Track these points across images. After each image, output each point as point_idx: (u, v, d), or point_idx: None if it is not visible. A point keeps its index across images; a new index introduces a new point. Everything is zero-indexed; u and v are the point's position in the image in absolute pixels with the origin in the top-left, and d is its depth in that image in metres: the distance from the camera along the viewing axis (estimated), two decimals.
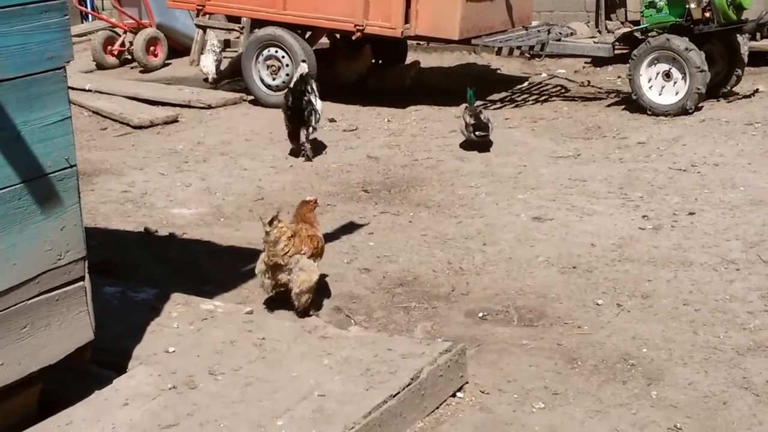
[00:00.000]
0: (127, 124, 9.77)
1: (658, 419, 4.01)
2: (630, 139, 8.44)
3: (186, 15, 12.67)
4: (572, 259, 5.85)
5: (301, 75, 8.37)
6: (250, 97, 10.52)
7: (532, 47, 9.87)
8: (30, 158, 3.46)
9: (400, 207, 6.97)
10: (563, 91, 10.52)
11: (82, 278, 3.69)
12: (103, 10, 15.30)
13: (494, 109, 9.82)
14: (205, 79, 11.64)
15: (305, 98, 8.17)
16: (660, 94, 9.12)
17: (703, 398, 4.17)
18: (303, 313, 5.03)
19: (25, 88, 3.43)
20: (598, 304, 5.20)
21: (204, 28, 12.15)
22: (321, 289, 5.54)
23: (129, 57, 12.97)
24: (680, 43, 8.93)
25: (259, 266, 5.11)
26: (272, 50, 10.23)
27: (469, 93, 8.45)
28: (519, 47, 9.91)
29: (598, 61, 11.26)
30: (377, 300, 5.41)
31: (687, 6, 9.07)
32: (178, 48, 13.11)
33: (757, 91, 9.74)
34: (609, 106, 9.67)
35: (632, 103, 9.30)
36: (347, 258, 6.02)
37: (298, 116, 8.19)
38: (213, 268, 5.94)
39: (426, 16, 9.58)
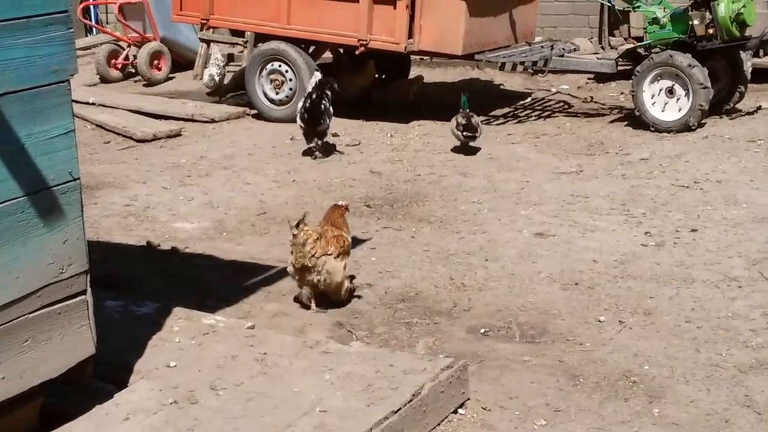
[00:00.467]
0: (131, 138, 9.79)
1: None
2: (633, 155, 8.44)
3: (190, 29, 12.70)
4: (574, 275, 5.84)
5: (319, 81, 8.80)
6: (254, 112, 10.54)
7: (535, 63, 9.88)
8: (33, 171, 3.46)
9: (402, 222, 6.97)
10: (566, 107, 10.53)
11: (84, 292, 3.69)
12: (107, 23, 15.34)
13: (497, 124, 9.83)
14: (208, 93, 11.66)
15: (323, 102, 8.69)
16: (663, 111, 9.13)
17: (705, 416, 4.16)
18: (344, 303, 5.47)
19: (30, 101, 3.44)
20: (600, 321, 5.20)
21: (208, 42, 12.18)
22: (321, 304, 5.55)
23: (133, 71, 13.00)
24: (683, 59, 8.94)
25: (289, 268, 5.41)
26: (276, 65, 10.25)
27: (463, 99, 8.78)
28: (522, 63, 9.92)
29: (601, 77, 11.27)
30: (379, 315, 5.40)
31: (690, 23, 9.09)
32: (182, 62, 13.14)
33: (760, 107, 9.74)
34: (612, 122, 9.67)
35: (635, 119, 9.31)
36: (349, 272, 6.01)
37: (313, 118, 8.67)
38: (215, 282, 5.94)
39: (429, 31, 9.60)
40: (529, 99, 10.97)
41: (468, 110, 8.74)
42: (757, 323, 5.08)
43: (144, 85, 12.62)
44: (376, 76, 11.08)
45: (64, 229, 3.59)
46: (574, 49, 10.54)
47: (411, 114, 10.09)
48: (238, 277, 5.98)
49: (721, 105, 9.46)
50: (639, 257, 6.09)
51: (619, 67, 9.87)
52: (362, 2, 9.70)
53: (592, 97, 10.85)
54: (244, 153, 9.12)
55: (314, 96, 8.73)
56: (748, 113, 9.56)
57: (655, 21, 9.33)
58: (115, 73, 12.98)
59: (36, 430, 3.66)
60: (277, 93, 10.30)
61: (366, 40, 9.78)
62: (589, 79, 11.46)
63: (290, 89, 10.18)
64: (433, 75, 12.03)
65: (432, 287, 5.76)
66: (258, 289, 5.78)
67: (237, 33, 12.08)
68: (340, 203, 5.73)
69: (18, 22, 3.38)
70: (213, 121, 10.34)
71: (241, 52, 12.54)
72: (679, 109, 9.04)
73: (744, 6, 8.93)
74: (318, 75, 8.95)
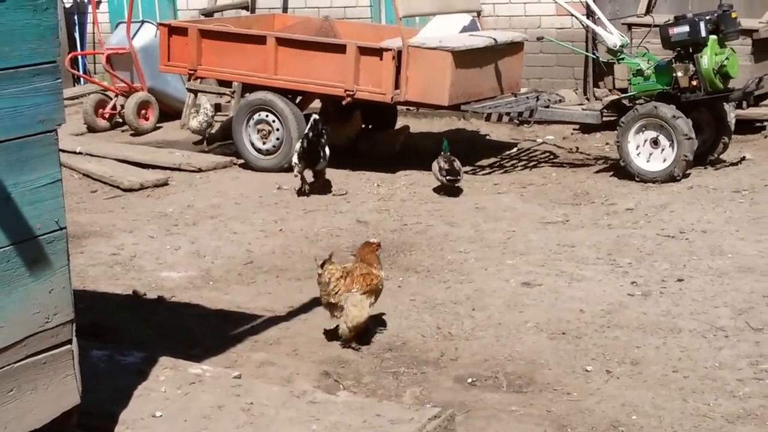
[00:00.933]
0: (118, 187, 9.78)
1: None
2: (618, 205, 8.47)
3: (177, 79, 12.74)
4: (561, 324, 5.85)
5: (315, 120, 9.16)
6: (241, 161, 10.56)
7: (521, 113, 9.94)
8: (20, 220, 3.46)
9: (389, 272, 6.96)
10: (552, 157, 10.58)
11: (69, 341, 3.67)
12: (95, 73, 15.39)
13: (483, 174, 9.87)
14: (195, 142, 11.69)
15: (320, 141, 9.05)
16: (648, 161, 9.18)
17: None
18: (345, 342, 5.58)
19: (16, 150, 3.45)
20: (587, 371, 5.19)
21: (195, 92, 12.22)
22: (308, 354, 5.54)
23: (120, 120, 13.01)
24: (668, 110, 9.01)
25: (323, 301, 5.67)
26: (263, 114, 10.28)
27: (445, 143, 9.21)
28: (508, 113, 9.98)
29: (586, 128, 11.32)
30: (366, 365, 5.38)
31: (674, 74, 9.16)
32: (169, 111, 13.16)
33: (744, 158, 9.81)
34: (597, 172, 9.72)
35: (620, 169, 9.36)
36: (336, 322, 6.00)
37: (312, 157, 9.08)
38: (201, 331, 5.92)
39: (416, 82, 9.66)
40: (515, 149, 11.03)
41: (449, 154, 9.07)
42: (744, 373, 5.08)
43: (131, 135, 12.63)
44: (363, 126, 11.13)
45: (50, 278, 3.58)
46: (560, 100, 10.60)
47: (397, 164, 10.13)
48: (225, 327, 5.96)
49: (705, 156, 9.51)
50: (626, 307, 6.10)
51: (604, 118, 9.93)
52: (349, 53, 9.77)
53: (577, 148, 10.90)
54: (231, 202, 9.13)
55: (311, 135, 9.05)
56: (733, 164, 9.62)
57: (639, 73, 9.41)
58: (103, 123, 12.99)
59: None
60: (264, 143, 10.32)
61: (353, 91, 9.83)
62: (574, 129, 11.53)
63: (277, 139, 10.21)
64: (419, 125, 12.08)
65: (419, 336, 5.75)
66: (245, 338, 5.76)
67: (224, 83, 12.12)
68: (371, 240, 5.97)
69: (5, 72, 3.40)
70: (200, 170, 10.35)
71: (229, 102, 12.59)
72: (664, 160, 9.09)
73: (727, 58, 9.01)
74: (315, 116, 9.21)
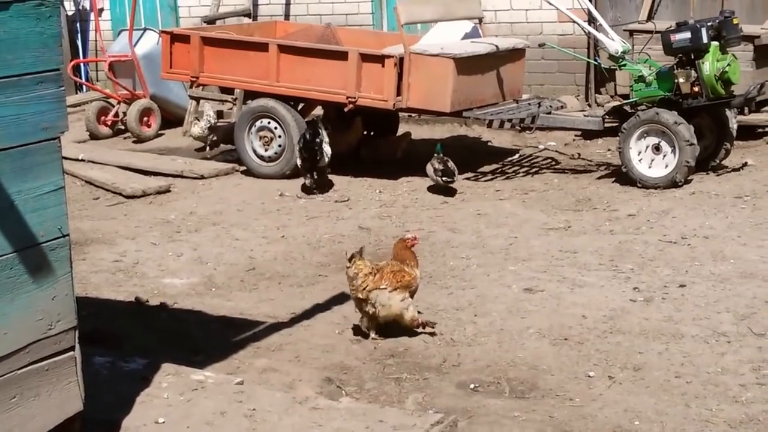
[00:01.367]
0: (120, 194, 9.80)
1: None
2: (620, 211, 8.48)
3: (180, 86, 12.76)
4: (563, 330, 5.85)
5: (313, 120, 9.64)
6: (243, 168, 10.57)
7: (522, 120, 9.95)
8: (23, 228, 3.47)
9: None
10: (554, 163, 10.59)
11: (72, 348, 3.68)
12: (97, 81, 15.41)
13: (485, 180, 9.87)
14: (197, 149, 11.71)
15: (317, 139, 9.36)
16: (650, 167, 9.18)
17: None
18: (410, 332, 5.74)
19: (20, 158, 3.46)
20: (589, 376, 5.19)
21: (197, 99, 12.24)
22: (311, 360, 5.54)
23: (122, 127, 13.03)
24: (669, 116, 9.02)
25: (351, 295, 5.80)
26: (265, 121, 10.30)
27: (438, 146, 9.48)
28: (510, 120, 9.99)
29: (588, 134, 11.33)
30: (368, 371, 5.39)
31: (676, 80, 9.17)
32: (172, 119, 13.19)
33: (746, 164, 9.81)
34: (599, 178, 9.73)
35: (622, 175, 9.36)
36: (338, 328, 6.01)
37: (310, 155, 9.40)
38: (204, 338, 5.92)
39: (418, 88, 9.67)
40: (516, 156, 11.03)
41: (442, 155, 9.30)
42: (746, 378, 5.08)
43: (133, 142, 12.65)
44: (365, 132, 11.14)
45: (53, 285, 3.59)
46: (561, 107, 10.61)
47: (399, 170, 10.14)
48: (227, 333, 5.97)
49: (707, 162, 9.51)
50: (628, 312, 6.10)
51: (606, 125, 9.93)
52: (351, 60, 9.79)
53: (579, 154, 10.91)
54: (234, 209, 9.14)
55: (308, 135, 9.38)
56: (734, 170, 9.62)
57: (641, 79, 9.42)
58: (105, 130, 13.01)
59: None
60: (266, 150, 10.33)
61: (355, 98, 9.84)
62: (576, 136, 11.54)
63: (279, 146, 10.23)
64: (421, 132, 12.09)
65: (421, 343, 5.76)
66: (247, 344, 5.77)
67: (226, 90, 12.14)
68: (406, 236, 6.02)
69: (8, 80, 3.41)
70: (202, 177, 10.36)
71: (231, 109, 12.61)
72: (666, 166, 9.10)
73: (729, 64, 9.02)
74: (315, 118, 9.63)
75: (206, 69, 10.59)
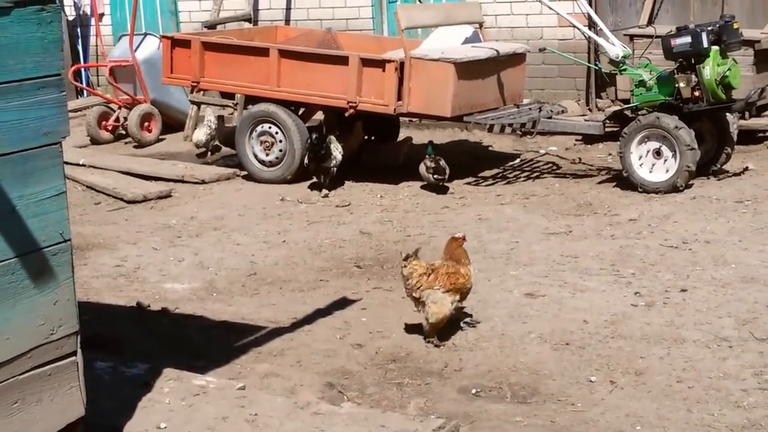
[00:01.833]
0: (121, 199, 9.80)
1: None
2: (621, 216, 8.48)
3: (180, 91, 12.77)
4: (565, 335, 5.84)
5: (319, 123, 10.05)
6: (244, 173, 10.57)
7: (523, 125, 9.94)
8: (24, 233, 3.47)
9: (392, 283, 6.97)
10: (555, 168, 10.59)
11: (74, 353, 3.68)
12: (98, 86, 15.42)
13: (486, 185, 9.88)
14: (198, 154, 11.72)
15: (325, 141, 9.63)
16: (651, 172, 9.18)
17: None
18: (427, 335, 5.76)
19: (21, 163, 3.46)
20: (591, 381, 5.19)
21: (198, 104, 12.25)
22: (312, 365, 5.54)
23: (123, 132, 13.03)
24: (670, 121, 9.02)
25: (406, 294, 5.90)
26: (266, 126, 10.30)
27: (429, 148, 9.78)
28: (511, 124, 9.99)
29: (589, 139, 11.34)
30: (370, 376, 5.39)
31: (676, 85, 9.17)
32: (173, 123, 13.19)
33: (746, 168, 9.81)
34: (600, 183, 9.73)
35: (623, 180, 9.36)
36: (340, 333, 6.01)
37: (316, 156, 9.65)
38: (205, 343, 5.92)
39: (418, 93, 9.68)
40: (517, 160, 11.04)
41: (434, 155, 9.57)
42: (748, 383, 5.08)
43: (134, 147, 12.65)
44: (365, 137, 11.14)
45: (55, 290, 3.59)
46: (562, 111, 10.61)
47: (400, 175, 10.14)
48: (229, 338, 5.97)
49: (708, 166, 9.52)
50: (629, 317, 6.10)
51: (607, 129, 9.94)
52: (352, 65, 9.79)
53: (580, 159, 10.92)
54: (235, 214, 9.14)
55: (314, 137, 9.66)
56: (735, 174, 9.63)
57: (641, 83, 9.42)
58: (106, 135, 13.01)
59: None
60: (267, 154, 10.34)
61: (356, 102, 9.84)
62: (577, 140, 11.54)
63: (280, 151, 10.23)
64: (422, 136, 12.09)
65: (423, 347, 5.75)
66: (249, 349, 5.76)
67: (227, 95, 12.14)
68: (456, 235, 6.10)
69: (10, 85, 3.41)
70: (203, 182, 10.37)
71: (231, 113, 12.62)
72: (667, 170, 9.10)
73: (729, 69, 9.02)
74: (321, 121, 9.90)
75: (207, 74, 10.60)
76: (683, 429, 4.60)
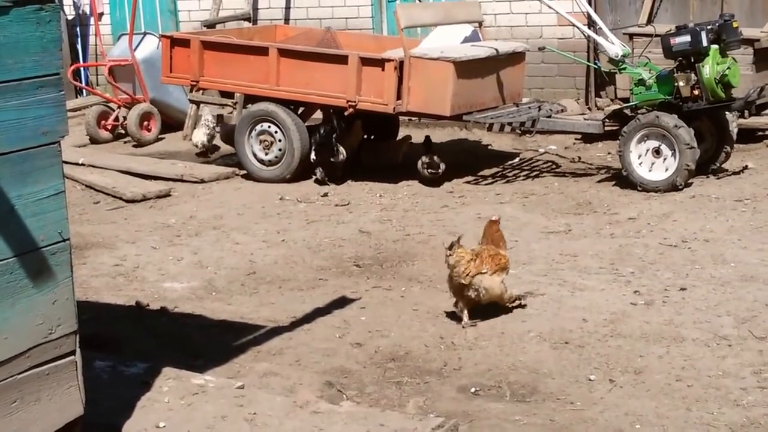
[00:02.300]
0: (120, 198, 9.80)
1: None
2: (620, 214, 8.48)
3: (180, 90, 12.77)
4: (564, 334, 5.84)
5: (325, 118, 10.10)
6: (243, 172, 10.57)
7: (523, 123, 9.94)
8: (23, 232, 3.47)
9: (392, 281, 6.97)
10: (554, 166, 10.59)
11: (73, 352, 3.68)
12: (97, 85, 15.42)
13: (486, 184, 9.88)
14: (197, 153, 11.73)
15: (333, 136, 9.88)
16: (650, 171, 9.18)
17: None
18: (508, 309, 6.15)
19: (20, 162, 3.45)
20: (590, 380, 5.19)
21: (197, 103, 12.25)
22: (311, 364, 5.54)
23: (122, 131, 13.03)
24: (669, 120, 9.02)
25: (449, 285, 6.09)
26: (265, 125, 10.30)
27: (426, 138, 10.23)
28: (510, 123, 9.98)
29: (588, 138, 11.34)
30: (369, 375, 5.39)
31: (676, 84, 9.17)
32: (172, 123, 13.19)
33: (746, 167, 9.81)
34: (599, 182, 9.73)
35: (622, 179, 9.36)
36: (339, 332, 6.01)
37: (323, 150, 9.88)
38: (204, 342, 5.92)
39: (418, 92, 9.67)
40: (517, 159, 11.04)
41: (431, 153, 9.85)
42: (747, 382, 5.08)
43: (133, 146, 12.66)
44: (365, 136, 11.14)
45: (54, 289, 3.59)
46: (561, 110, 10.61)
47: (400, 174, 10.14)
48: (228, 337, 5.97)
49: (707, 165, 9.52)
50: (628, 316, 6.10)
51: (606, 128, 9.93)
52: (351, 64, 9.79)
53: (579, 157, 10.91)
54: (234, 213, 9.14)
55: (322, 131, 9.92)
56: (735, 173, 9.63)
57: (641, 82, 9.42)
58: (105, 134, 13.01)
59: None
60: (266, 153, 10.34)
61: (355, 102, 9.84)
62: (576, 139, 11.54)
63: (279, 150, 10.23)
64: (421, 135, 12.05)
65: (422, 346, 5.75)
66: (248, 348, 5.76)
67: (226, 94, 12.14)
68: (493, 218, 6.38)
69: (8, 85, 3.41)
70: (202, 181, 10.37)
71: (231, 113, 12.61)
72: (666, 169, 9.10)
73: (729, 68, 9.02)
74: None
75: (206, 73, 10.60)
76: (682, 427, 4.60)
